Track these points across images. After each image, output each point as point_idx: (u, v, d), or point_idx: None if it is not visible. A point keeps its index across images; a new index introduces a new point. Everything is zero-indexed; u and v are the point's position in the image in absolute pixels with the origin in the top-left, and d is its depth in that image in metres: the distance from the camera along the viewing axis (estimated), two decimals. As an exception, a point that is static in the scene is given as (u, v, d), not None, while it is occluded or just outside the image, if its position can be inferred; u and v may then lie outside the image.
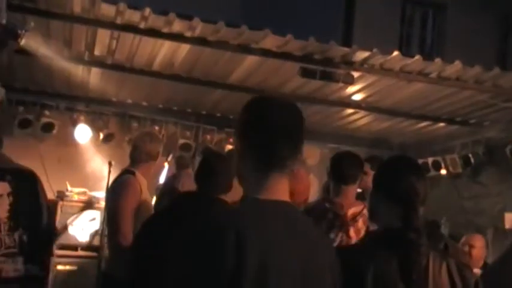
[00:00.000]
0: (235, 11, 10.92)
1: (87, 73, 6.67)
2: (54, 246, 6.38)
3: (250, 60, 5.82)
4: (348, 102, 7.02)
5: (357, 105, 7.08)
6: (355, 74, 5.71)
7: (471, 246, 5.39)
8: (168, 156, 7.28)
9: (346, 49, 5.58)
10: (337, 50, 5.55)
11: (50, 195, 6.72)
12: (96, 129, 7.83)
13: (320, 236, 1.83)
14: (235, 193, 3.28)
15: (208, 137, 8.21)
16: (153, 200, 4.83)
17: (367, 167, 4.38)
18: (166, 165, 7.08)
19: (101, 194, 6.79)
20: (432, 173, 7.60)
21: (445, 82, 5.95)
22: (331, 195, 3.91)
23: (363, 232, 3.59)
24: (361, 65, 5.71)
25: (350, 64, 5.66)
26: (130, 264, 3.35)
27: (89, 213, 7.11)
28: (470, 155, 7.48)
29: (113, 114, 7.95)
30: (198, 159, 7.06)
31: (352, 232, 3.65)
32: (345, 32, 11.31)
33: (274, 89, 6.69)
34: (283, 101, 1.83)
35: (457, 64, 5.66)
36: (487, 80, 5.91)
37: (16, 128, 7.43)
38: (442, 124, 7.43)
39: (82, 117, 7.78)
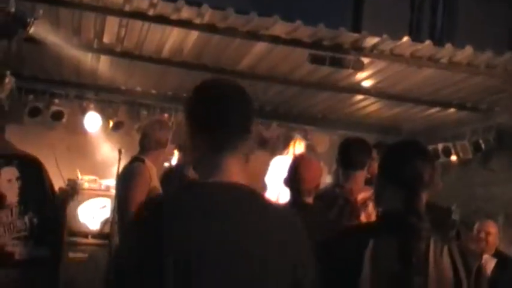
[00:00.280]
0: (244, -2, 10.86)
1: (96, 61, 6.67)
2: (65, 233, 6.42)
3: (260, 47, 5.80)
4: (357, 89, 6.99)
5: (366, 91, 7.05)
6: (365, 60, 5.68)
7: (488, 233, 5.33)
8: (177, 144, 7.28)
9: (355, 35, 5.55)
10: (347, 36, 5.52)
11: (60, 182, 6.76)
12: (105, 117, 7.85)
13: (281, 215, 1.76)
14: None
15: (218, 124, 8.20)
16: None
17: (374, 153, 4.37)
18: (175, 152, 7.09)
19: (111, 182, 6.81)
20: (442, 159, 7.57)
21: (455, 68, 5.91)
22: (341, 181, 3.91)
23: (373, 217, 3.59)
24: (371, 51, 5.67)
25: (360, 50, 5.62)
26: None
27: (99, 201, 7.14)
28: (480, 141, 7.43)
29: (122, 102, 7.96)
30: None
31: (363, 217, 3.65)
32: (355, 18, 11.24)
33: (284, 75, 6.68)
34: (230, 82, 1.81)
35: (468, 49, 5.62)
36: (498, 65, 5.86)
37: (26, 117, 7.47)
38: (452, 110, 7.39)
39: (91, 106, 7.80)
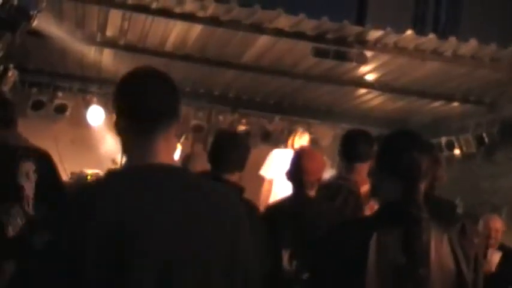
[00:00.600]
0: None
1: (99, 54, 6.67)
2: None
3: (263, 40, 5.79)
4: (361, 82, 6.98)
5: (370, 85, 7.04)
6: (369, 54, 5.66)
7: (496, 231, 5.26)
8: (180, 137, 7.28)
9: (359, 28, 5.54)
10: (350, 29, 5.50)
11: (64, 176, 6.76)
12: (109, 110, 7.83)
13: (215, 194, 1.76)
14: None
15: (221, 118, 8.20)
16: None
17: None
18: (179, 146, 7.09)
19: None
20: (446, 153, 7.55)
21: (459, 61, 5.89)
22: (344, 174, 3.91)
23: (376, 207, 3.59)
24: (375, 44, 5.65)
25: (363, 43, 5.61)
26: None
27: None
28: (484, 135, 7.41)
29: (125, 95, 7.94)
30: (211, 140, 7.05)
31: (367, 208, 3.65)
32: (359, 11, 11.22)
33: (287, 69, 6.67)
34: (153, 69, 1.84)
35: (472, 42, 5.59)
36: (503, 58, 5.84)
37: (29, 110, 7.47)
38: (456, 103, 7.37)
39: (95, 99, 7.80)
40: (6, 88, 6.23)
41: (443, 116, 7.88)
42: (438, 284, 2.11)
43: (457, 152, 7.71)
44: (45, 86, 7.61)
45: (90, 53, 6.52)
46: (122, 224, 1.56)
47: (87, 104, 7.81)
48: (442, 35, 6.14)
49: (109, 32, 5.98)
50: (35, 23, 4.53)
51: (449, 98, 7.26)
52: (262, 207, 4.28)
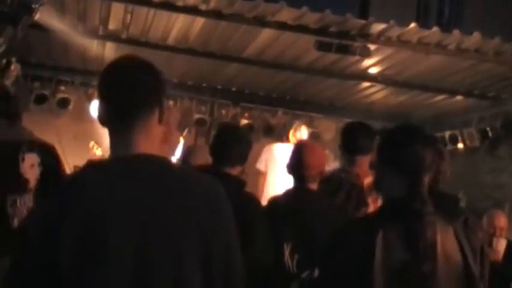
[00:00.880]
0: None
1: (101, 48, 6.66)
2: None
3: (266, 33, 5.77)
4: (364, 76, 6.95)
5: (373, 78, 7.01)
6: (372, 47, 5.64)
7: (501, 229, 5.22)
8: (183, 131, 7.27)
9: (362, 21, 5.51)
10: (354, 23, 5.48)
11: (67, 170, 6.76)
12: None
13: (194, 182, 1.75)
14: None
15: (224, 111, 8.19)
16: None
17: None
18: (181, 140, 7.08)
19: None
20: (449, 147, 7.54)
21: (463, 54, 5.86)
22: (346, 167, 3.90)
23: (379, 201, 3.57)
24: (378, 38, 5.63)
25: (366, 37, 5.58)
26: None
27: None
28: (487, 129, 7.39)
29: (128, 89, 7.93)
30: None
31: (370, 201, 3.64)
32: (362, 3, 11.18)
33: (290, 62, 6.65)
34: (136, 57, 1.84)
35: (476, 36, 5.56)
36: (507, 51, 5.80)
37: (32, 104, 7.46)
38: (459, 97, 7.34)
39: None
40: (8, 82, 6.22)
41: (447, 110, 7.86)
42: (445, 279, 2.10)
43: (460, 146, 7.70)
44: (47, 80, 7.60)
45: (93, 46, 6.51)
46: (95, 220, 1.56)
47: (89, 98, 7.79)
48: (446, 28, 6.12)
49: (111, 26, 5.97)
50: (37, 17, 4.52)
51: (453, 92, 7.24)
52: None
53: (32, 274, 1.55)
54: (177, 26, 5.77)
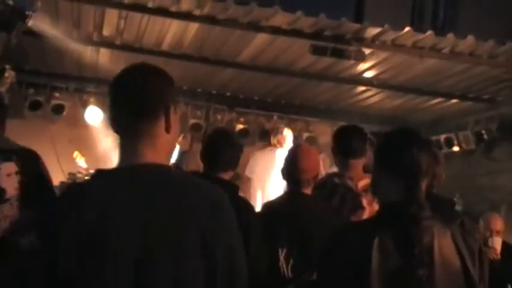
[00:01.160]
0: (244, -11, 10.81)
1: (96, 54, 6.64)
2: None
3: (260, 38, 5.77)
4: (359, 80, 6.96)
5: (368, 82, 7.02)
6: (367, 51, 5.65)
7: (498, 232, 5.21)
8: (179, 136, 7.26)
9: (357, 25, 5.51)
10: (348, 27, 5.48)
11: (61, 177, 6.75)
12: (106, 110, 7.80)
13: (198, 190, 1.75)
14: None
15: (219, 116, 8.18)
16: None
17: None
18: (177, 145, 7.07)
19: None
20: (445, 150, 7.55)
21: (458, 57, 5.87)
22: (339, 170, 3.89)
23: (374, 204, 3.56)
24: (373, 42, 5.63)
25: (361, 41, 5.59)
26: None
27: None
28: (483, 131, 7.41)
29: (123, 95, 7.92)
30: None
31: (365, 203, 3.63)
32: (356, 8, 11.19)
33: (285, 67, 6.65)
34: (145, 65, 1.84)
35: (470, 39, 5.57)
36: (501, 54, 5.82)
37: (27, 110, 7.45)
38: (455, 100, 7.36)
39: (92, 99, 7.77)
40: (3, 89, 6.20)
41: (442, 113, 7.87)
42: (443, 283, 2.08)
43: (456, 149, 7.71)
44: (42, 87, 7.59)
45: (87, 52, 6.50)
46: (97, 224, 1.57)
47: (84, 104, 7.78)
48: (440, 32, 6.13)
49: (105, 32, 5.95)
50: (31, 23, 4.50)
51: (448, 95, 7.25)
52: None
53: (32, 276, 1.56)
54: (171, 31, 5.76)
